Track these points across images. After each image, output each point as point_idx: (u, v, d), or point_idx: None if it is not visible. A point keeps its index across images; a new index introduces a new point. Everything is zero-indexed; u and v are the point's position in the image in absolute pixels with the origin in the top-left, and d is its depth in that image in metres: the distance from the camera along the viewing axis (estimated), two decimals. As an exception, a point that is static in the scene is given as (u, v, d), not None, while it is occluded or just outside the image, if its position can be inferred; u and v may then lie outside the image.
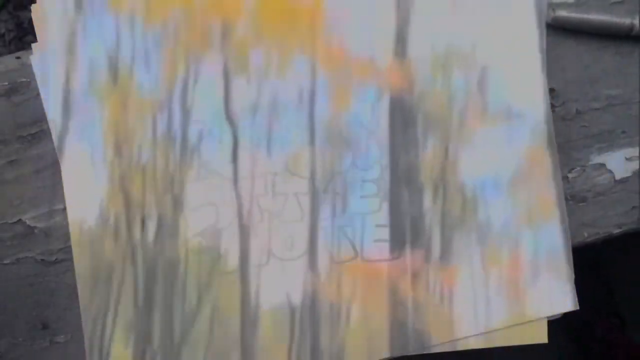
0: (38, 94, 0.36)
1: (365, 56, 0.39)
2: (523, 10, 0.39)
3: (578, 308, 0.40)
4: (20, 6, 1.07)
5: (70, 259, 0.36)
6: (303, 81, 0.39)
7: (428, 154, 0.39)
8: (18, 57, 0.37)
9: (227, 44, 0.38)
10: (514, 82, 0.39)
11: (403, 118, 0.39)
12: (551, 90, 0.39)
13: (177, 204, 0.38)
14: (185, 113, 0.38)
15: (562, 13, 0.38)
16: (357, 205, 0.40)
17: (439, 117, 0.39)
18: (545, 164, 0.38)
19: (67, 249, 0.36)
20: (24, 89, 0.36)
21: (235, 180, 0.40)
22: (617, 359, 1.07)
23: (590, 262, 1.16)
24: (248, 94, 0.38)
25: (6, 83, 0.36)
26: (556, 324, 1.09)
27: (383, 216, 0.40)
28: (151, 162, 0.38)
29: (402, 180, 0.40)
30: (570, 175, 0.39)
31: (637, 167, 0.40)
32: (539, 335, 0.39)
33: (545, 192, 0.38)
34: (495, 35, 0.39)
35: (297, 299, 0.39)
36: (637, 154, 0.39)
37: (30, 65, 0.36)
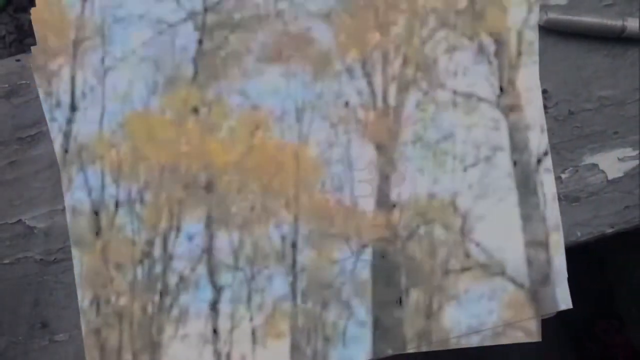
0: (37, 96, 0.36)
1: (348, 205, 0.38)
2: (502, 161, 0.38)
3: (572, 307, 0.40)
4: (20, 9, 1.06)
5: (69, 259, 0.36)
6: (285, 233, 0.38)
7: (411, 306, 0.39)
8: (18, 60, 0.35)
9: (211, 195, 0.38)
10: (494, 233, 0.39)
11: (386, 270, 0.39)
12: (544, 92, 0.39)
13: (156, 356, 0.37)
14: (167, 262, 0.37)
15: (554, 15, 0.38)
16: None
17: (422, 268, 0.39)
18: (526, 312, 0.39)
19: (66, 249, 0.36)
20: (23, 91, 0.36)
21: (216, 336, 0.38)
22: (616, 359, 1.07)
23: (590, 262, 1.16)
24: (230, 245, 0.38)
25: (6, 85, 0.36)
26: (555, 324, 1.08)
27: None
28: (128, 310, 0.37)
29: (386, 334, 0.39)
30: (563, 176, 0.39)
31: (629, 167, 0.41)
32: (533, 334, 0.39)
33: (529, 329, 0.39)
34: (475, 185, 0.39)
35: None
36: (629, 155, 0.40)
37: (29, 68, 0.35)
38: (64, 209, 0.36)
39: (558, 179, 0.38)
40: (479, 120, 0.37)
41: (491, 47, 0.37)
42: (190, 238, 0.37)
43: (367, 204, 0.38)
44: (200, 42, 0.36)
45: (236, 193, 0.37)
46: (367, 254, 0.38)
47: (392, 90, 0.37)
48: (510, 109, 0.37)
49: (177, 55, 0.36)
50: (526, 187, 0.37)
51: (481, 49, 0.37)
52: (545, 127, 0.37)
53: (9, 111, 0.36)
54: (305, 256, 0.37)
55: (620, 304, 1.12)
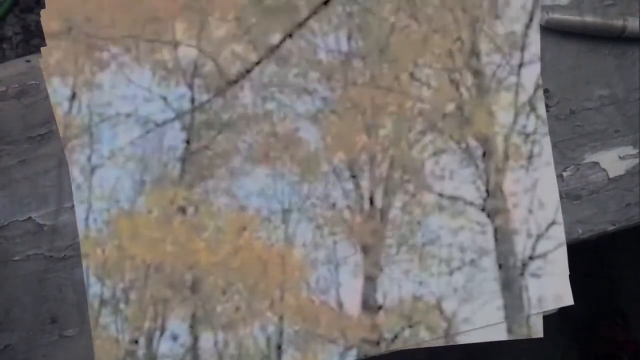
0: (47, 97, 0.36)
1: (333, 307, 0.38)
2: (488, 265, 0.39)
3: (573, 303, 0.40)
4: (27, 9, 1.07)
5: (78, 256, 0.37)
6: (270, 334, 0.38)
7: None
8: (28, 61, 0.38)
9: (197, 294, 0.38)
10: (479, 336, 0.39)
11: None
12: (545, 91, 0.38)
13: None
14: None
15: (556, 15, 0.38)
16: None
17: None
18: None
19: (75, 246, 0.37)
20: (33, 91, 0.37)
21: None
22: (620, 358, 1.07)
23: (595, 262, 1.16)
24: (215, 346, 0.38)
25: (16, 85, 0.37)
26: (560, 323, 1.08)
27: None
28: None
29: None
30: (564, 174, 0.40)
31: (630, 165, 0.41)
32: (535, 330, 0.40)
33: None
34: (461, 289, 0.39)
35: None
36: (630, 153, 0.40)
37: (39, 68, 0.36)
38: (72, 207, 0.36)
39: (560, 177, 0.39)
40: (465, 223, 0.38)
41: (478, 151, 0.38)
42: (174, 338, 0.37)
43: (353, 306, 0.38)
44: (187, 142, 0.36)
45: (221, 293, 0.37)
46: (352, 356, 0.38)
47: (379, 192, 0.37)
48: (496, 213, 0.38)
49: (164, 155, 0.36)
50: (511, 290, 0.38)
51: (468, 153, 0.38)
52: (532, 231, 0.38)
53: (19, 111, 0.36)
54: (290, 358, 0.38)
55: (624, 303, 1.12)
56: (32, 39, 1.14)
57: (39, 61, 0.36)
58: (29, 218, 0.37)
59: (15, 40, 1.04)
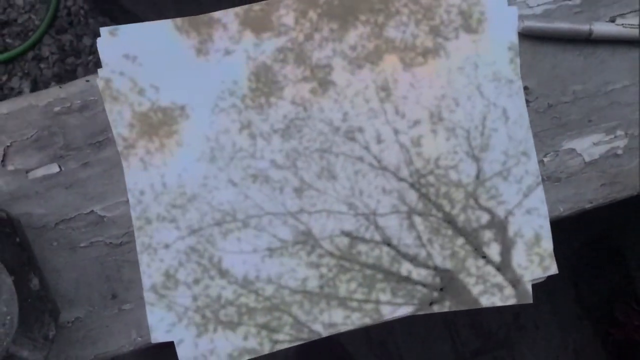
0: (103, 109, 0.40)
1: None
2: None
3: (557, 272, 0.45)
4: (61, 30, 1.12)
5: (133, 241, 0.41)
6: None
7: None
8: (87, 80, 0.41)
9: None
10: None
11: None
12: (525, 88, 0.42)
13: None
14: None
15: (531, 23, 0.41)
16: None
17: None
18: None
19: (130, 233, 0.41)
20: (92, 106, 0.41)
21: None
22: (637, 340, 1.08)
23: (610, 249, 1.17)
24: None
25: (79, 101, 0.41)
26: (576, 309, 1.10)
27: None
28: None
29: None
30: (545, 160, 0.43)
31: (604, 150, 0.43)
32: (525, 297, 0.43)
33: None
34: None
35: None
36: (603, 139, 0.44)
37: (96, 86, 0.41)
38: (127, 201, 0.42)
39: (541, 162, 0.44)
40: None
41: None
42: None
43: None
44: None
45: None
46: None
47: None
48: None
49: None
50: None
51: None
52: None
53: (81, 122, 0.41)
54: None
55: (639, 289, 1.14)
56: (66, 58, 1.23)
57: (96, 81, 0.41)
58: (92, 211, 0.42)
59: (52, 59, 1.13)
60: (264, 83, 0.42)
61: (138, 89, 0.42)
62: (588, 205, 0.44)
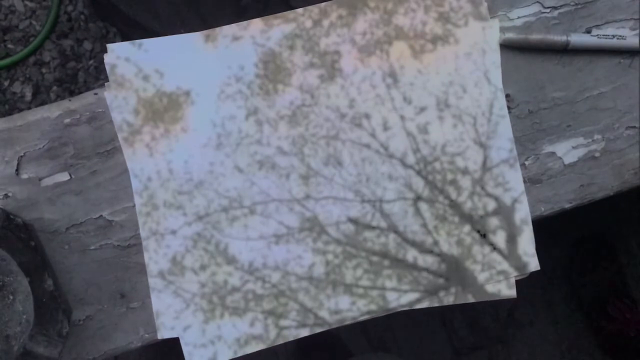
0: (111, 121, 0.41)
1: None
2: None
3: (540, 269, 0.43)
4: (62, 35, 1.12)
5: (140, 244, 0.42)
6: None
7: None
8: (95, 93, 0.42)
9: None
10: None
11: None
12: (507, 96, 0.43)
13: None
14: None
15: (512, 35, 0.42)
16: None
17: None
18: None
19: (137, 236, 0.42)
20: (100, 117, 0.42)
21: None
22: (628, 334, 1.10)
23: (603, 245, 1.19)
24: None
25: (88, 113, 0.42)
26: (570, 305, 1.12)
27: None
28: None
29: None
30: (527, 163, 0.44)
31: (582, 153, 0.45)
32: (509, 292, 0.43)
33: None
34: None
35: None
36: (581, 143, 0.45)
37: (104, 98, 0.41)
38: (133, 206, 0.42)
39: (523, 165, 0.45)
40: None
41: None
42: None
43: None
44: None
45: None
46: None
47: None
48: None
49: None
50: None
51: None
52: None
53: (90, 133, 0.42)
54: None
55: (631, 286, 1.15)
56: (67, 62, 1.24)
57: (104, 93, 0.42)
58: (100, 216, 0.43)
59: (53, 64, 1.15)
60: (272, 70, 0.42)
61: (143, 75, 0.42)
62: (568, 205, 0.45)
